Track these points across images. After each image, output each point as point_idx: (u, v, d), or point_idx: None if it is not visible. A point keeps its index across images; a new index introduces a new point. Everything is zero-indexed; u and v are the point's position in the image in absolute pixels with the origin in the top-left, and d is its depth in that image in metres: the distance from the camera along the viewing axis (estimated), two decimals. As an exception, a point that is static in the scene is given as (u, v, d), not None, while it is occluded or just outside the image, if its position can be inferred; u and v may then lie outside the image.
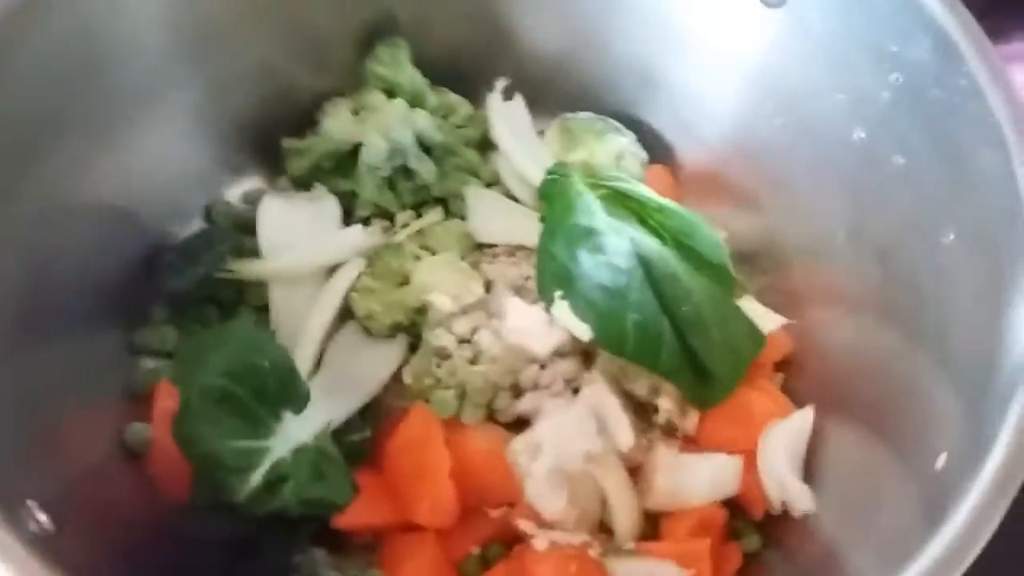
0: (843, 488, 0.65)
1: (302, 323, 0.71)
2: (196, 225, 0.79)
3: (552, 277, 0.66)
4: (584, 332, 0.64)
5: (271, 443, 0.59)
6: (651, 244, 0.68)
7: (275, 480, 0.57)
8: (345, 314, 0.73)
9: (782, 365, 0.75)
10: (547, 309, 0.66)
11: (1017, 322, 0.52)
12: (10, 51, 0.56)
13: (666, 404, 0.69)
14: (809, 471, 0.68)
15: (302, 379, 0.62)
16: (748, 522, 0.69)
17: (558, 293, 0.65)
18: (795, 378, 0.75)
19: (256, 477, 0.57)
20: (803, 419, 0.68)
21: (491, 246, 0.77)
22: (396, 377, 0.70)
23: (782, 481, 0.65)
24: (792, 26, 0.68)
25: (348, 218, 0.79)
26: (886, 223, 0.65)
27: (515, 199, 0.80)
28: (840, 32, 0.65)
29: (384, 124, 0.75)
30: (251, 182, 0.83)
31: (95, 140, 0.66)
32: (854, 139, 0.67)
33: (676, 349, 0.65)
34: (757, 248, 0.79)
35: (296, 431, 0.61)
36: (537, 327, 0.66)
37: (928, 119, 0.60)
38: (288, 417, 0.61)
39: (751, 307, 0.74)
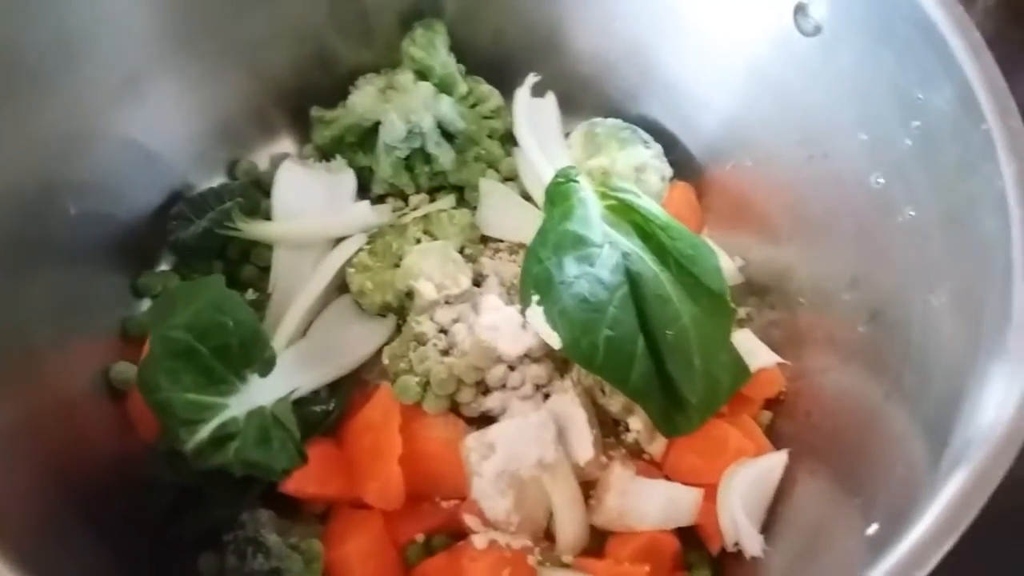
0: (799, 536, 0.63)
1: (296, 289, 0.72)
2: (219, 180, 0.81)
3: (533, 280, 0.65)
4: (555, 340, 0.63)
5: (230, 401, 0.60)
6: (647, 263, 0.67)
7: (221, 437, 0.59)
8: (344, 287, 0.74)
9: (773, 404, 0.73)
10: (521, 312, 0.66)
11: (983, 395, 0.49)
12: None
13: (636, 425, 0.68)
14: (775, 513, 0.66)
15: (268, 343, 0.63)
16: (703, 555, 0.68)
17: (535, 297, 0.64)
18: (784, 420, 0.72)
19: (204, 432, 0.58)
20: (773, 462, 0.66)
21: (497, 241, 0.77)
22: (379, 355, 0.71)
23: (735, 520, 0.63)
24: (824, 56, 0.66)
25: (364, 194, 0.80)
26: (885, 276, 0.62)
27: (529, 198, 0.79)
28: (869, 70, 0.62)
29: (406, 105, 0.76)
30: (281, 146, 0.85)
31: (120, 77, 0.68)
32: (872, 184, 0.64)
33: (649, 371, 0.64)
34: (770, 283, 0.77)
35: (258, 394, 0.62)
36: (509, 328, 0.65)
37: (940, 173, 0.57)
38: (254, 379, 0.62)
39: (747, 341, 0.72)
